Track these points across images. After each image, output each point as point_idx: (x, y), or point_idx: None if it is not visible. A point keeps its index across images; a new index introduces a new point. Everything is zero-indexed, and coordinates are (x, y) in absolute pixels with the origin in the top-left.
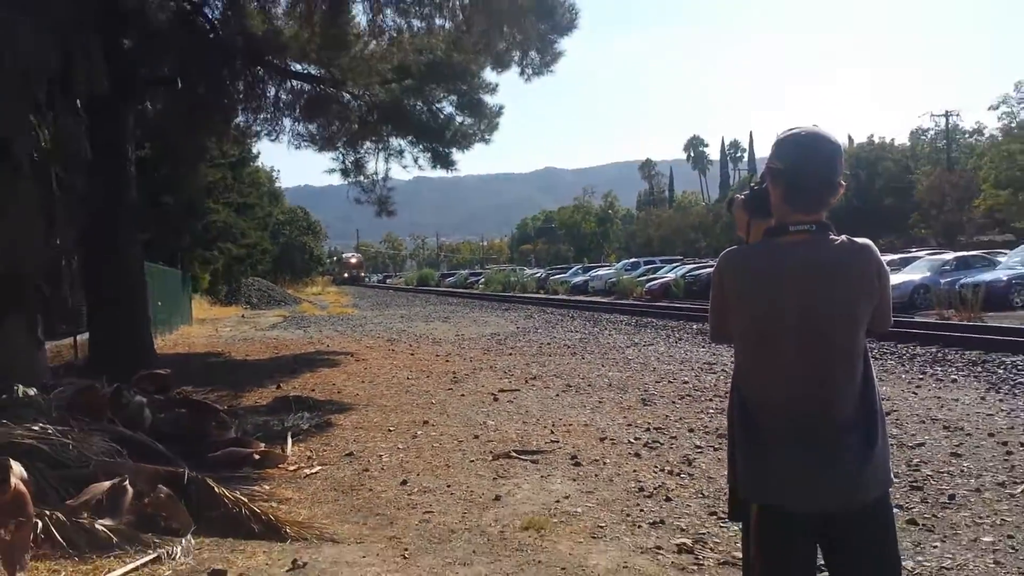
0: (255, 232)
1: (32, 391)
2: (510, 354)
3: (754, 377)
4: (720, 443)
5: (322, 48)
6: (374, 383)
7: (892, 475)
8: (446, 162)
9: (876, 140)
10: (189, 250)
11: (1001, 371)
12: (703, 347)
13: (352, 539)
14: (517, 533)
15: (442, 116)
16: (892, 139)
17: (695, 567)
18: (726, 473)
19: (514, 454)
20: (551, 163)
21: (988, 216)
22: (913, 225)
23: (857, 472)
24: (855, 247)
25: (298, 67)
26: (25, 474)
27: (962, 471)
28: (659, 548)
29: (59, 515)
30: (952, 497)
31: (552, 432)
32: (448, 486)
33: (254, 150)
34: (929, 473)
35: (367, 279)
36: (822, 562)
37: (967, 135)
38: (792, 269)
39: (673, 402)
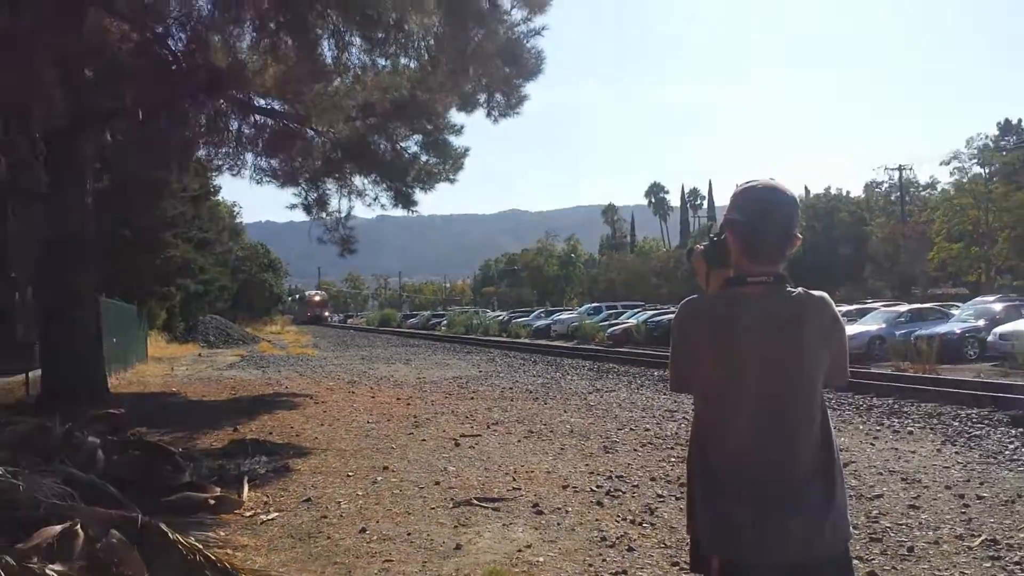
0: (214, 268)
1: None
2: (472, 398)
3: (713, 428)
4: (682, 492)
5: (286, 83)
6: (334, 426)
7: (851, 527)
8: (408, 201)
9: (833, 191)
10: (145, 285)
11: (956, 423)
12: (665, 394)
13: None
14: None
15: (406, 155)
16: (848, 191)
17: None
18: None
19: (475, 501)
20: (516, 205)
21: (941, 269)
22: (868, 276)
23: (817, 524)
24: (812, 299)
25: (262, 102)
26: None
27: (920, 523)
28: None
29: (8, 559)
30: (911, 549)
31: (514, 479)
32: (408, 534)
33: (215, 184)
34: (888, 525)
35: (330, 318)
36: None
37: (920, 189)
38: (751, 320)
39: (635, 449)
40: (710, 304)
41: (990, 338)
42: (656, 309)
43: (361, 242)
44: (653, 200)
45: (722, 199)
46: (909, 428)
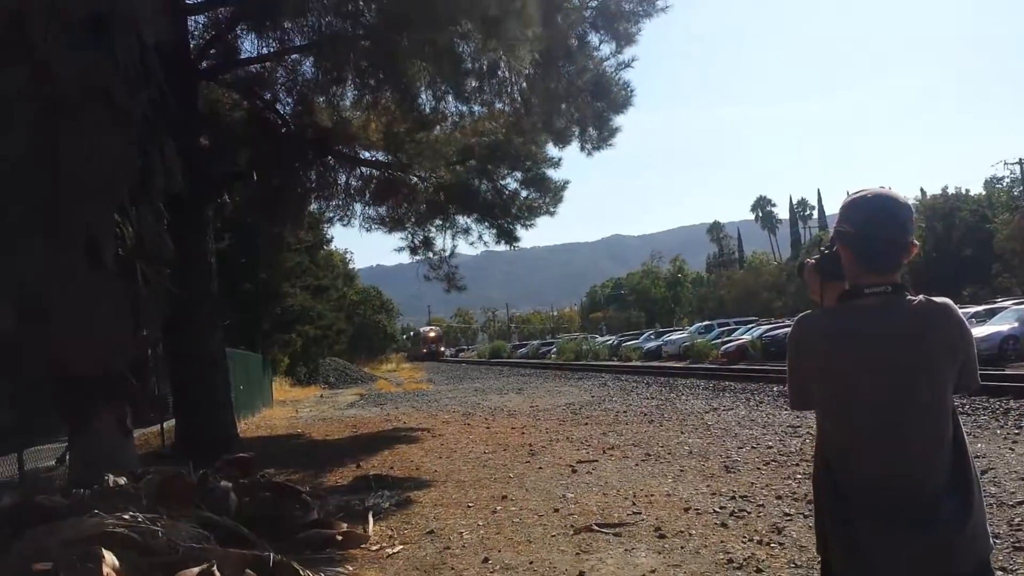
0: (331, 313)
1: (122, 480)
2: (586, 424)
3: (838, 445)
4: (811, 510)
5: (388, 136)
6: (451, 458)
7: (992, 538)
8: (510, 238)
9: (951, 191)
10: (268, 334)
11: None
12: (785, 410)
13: None
14: None
15: (507, 193)
16: (967, 189)
17: None
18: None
19: (596, 527)
20: (617, 230)
21: None
22: (996, 275)
23: (954, 540)
24: (934, 307)
25: (367, 154)
26: (117, 563)
27: None
28: None
29: None
30: None
31: (634, 503)
32: (530, 562)
33: (328, 234)
34: None
35: (445, 353)
36: None
37: None
38: (869, 334)
39: (758, 468)
40: (825, 319)
41: None
42: (771, 323)
43: (467, 277)
44: (760, 214)
45: (832, 208)
46: None
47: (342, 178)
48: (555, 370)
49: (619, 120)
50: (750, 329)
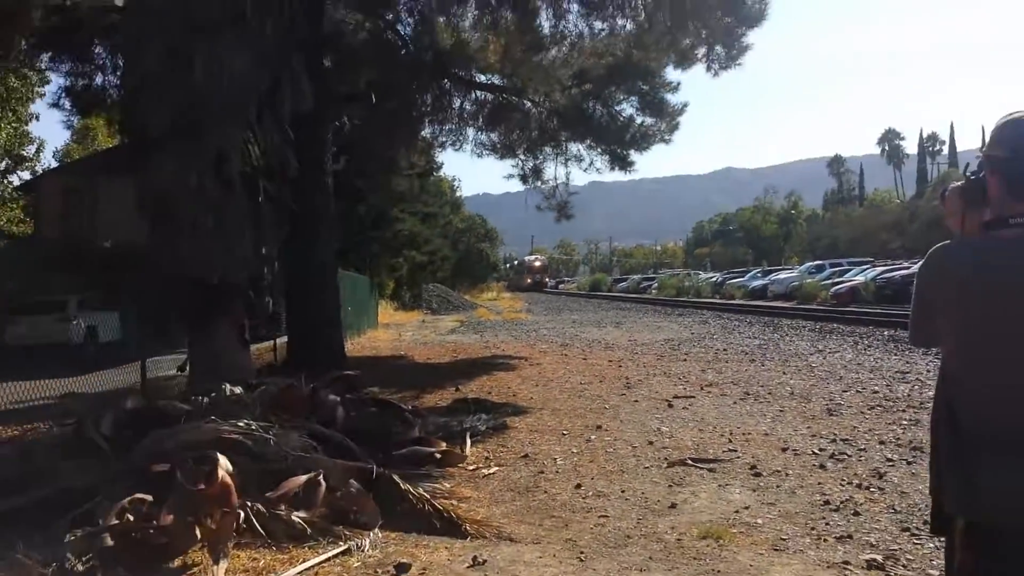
0: (437, 240)
1: (238, 389)
2: (684, 360)
3: (965, 383)
4: (915, 456)
5: (506, 57)
6: (548, 387)
7: None
8: (624, 163)
9: None
10: (377, 257)
11: None
12: (895, 355)
13: (529, 539)
14: (695, 541)
15: (621, 119)
16: None
17: None
18: (925, 486)
19: (690, 462)
20: (730, 163)
21: None
22: None
23: None
24: None
25: (482, 78)
26: (230, 467)
27: None
28: (847, 564)
29: (259, 506)
30: None
31: (730, 441)
32: (622, 491)
33: (438, 160)
34: None
35: (550, 284)
36: None
37: None
38: (1012, 266)
39: (862, 412)
40: (965, 249)
41: None
42: (887, 265)
43: (573, 208)
44: (887, 148)
45: (965, 143)
46: None
47: (456, 102)
48: (655, 305)
49: (750, 36)
50: (864, 270)
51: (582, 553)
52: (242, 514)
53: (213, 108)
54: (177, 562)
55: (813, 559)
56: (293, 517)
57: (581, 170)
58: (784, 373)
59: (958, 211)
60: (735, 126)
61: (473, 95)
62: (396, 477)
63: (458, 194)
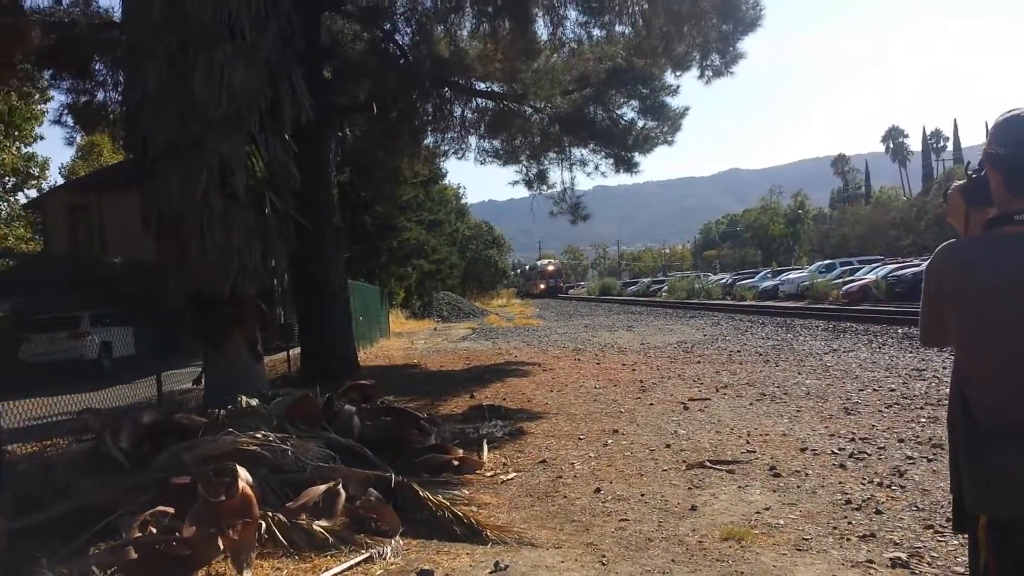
0: (444, 247)
1: (254, 401)
2: (698, 362)
3: (977, 380)
4: (935, 454)
5: (505, 65)
6: (562, 392)
7: None
8: (629, 165)
9: None
10: (386, 266)
11: None
12: (910, 352)
13: (550, 544)
14: (716, 543)
15: (623, 122)
16: None
17: None
18: (946, 483)
19: (708, 464)
20: (735, 164)
21: None
22: None
23: None
24: None
25: (482, 86)
26: (250, 478)
27: None
28: (871, 562)
29: (280, 516)
30: None
31: (747, 442)
32: (642, 495)
33: (442, 168)
34: None
35: (565, 289)
36: None
37: None
38: (1017, 263)
39: (879, 411)
40: (970, 247)
41: None
42: (897, 262)
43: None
44: (891, 145)
45: (970, 139)
46: None
47: (457, 110)
48: (666, 308)
49: (744, 44)
50: (875, 268)
51: (604, 557)
52: (263, 524)
53: (215, 121)
54: (200, 573)
55: (837, 558)
56: (314, 526)
57: (585, 174)
58: (799, 373)
59: (961, 210)
60: (738, 128)
61: (474, 103)
62: (415, 485)
63: (464, 201)
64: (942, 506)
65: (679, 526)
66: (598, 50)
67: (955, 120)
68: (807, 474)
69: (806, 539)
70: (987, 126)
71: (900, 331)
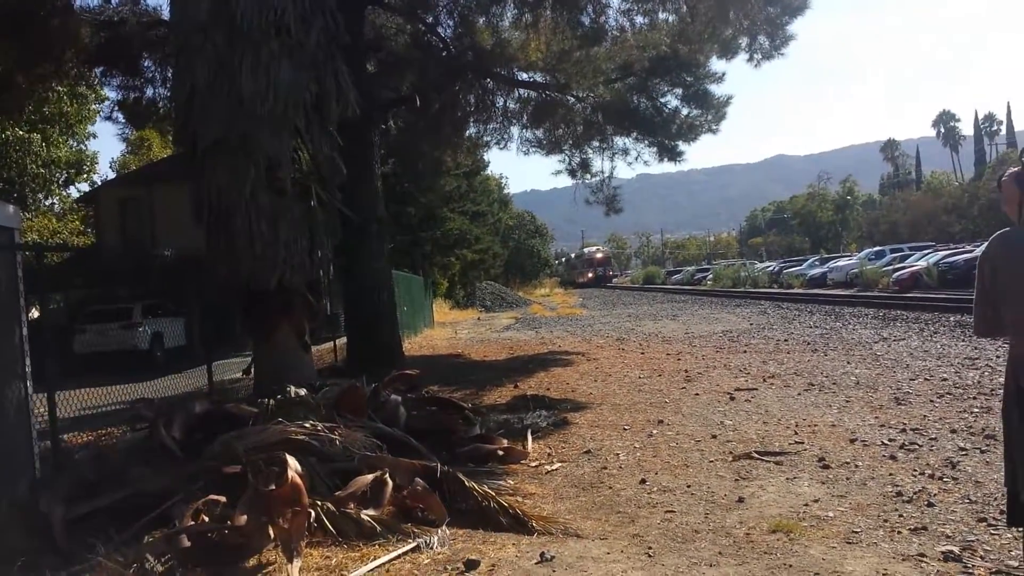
0: (487, 237)
1: (302, 391)
2: (744, 352)
3: None
4: (988, 445)
5: (548, 55)
6: (606, 382)
7: None
8: (673, 154)
9: None
10: (429, 257)
11: None
12: (963, 341)
13: (595, 535)
14: (764, 536)
15: (667, 110)
16: None
17: None
18: (1000, 475)
19: (755, 455)
20: (781, 150)
21: None
22: None
23: None
24: None
25: (524, 76)
26: (299, 468)
27: None
28: (922, 556)
29: (329, 505)
30: None
31: (795, 433)
32: (688, 486)
33: (485, 159)
34: None
35: (615, 279)
36: None
37: None
38: None
39: (931, 401)
40: None
41: None
42: (949, 249)
43: (623, 202)
44: (943, 130)
45: (1023, 123)
46: None
47: (500, 100)
48: (711, 297)
49: (794, 25)
50: (926, 255)
51: (650, 548)
52: (312, 513)
53: (261, 117)
54: (252, 561)
55: (887, 552)
56: (362, 515)
57: (627, 164)
58: (848, 362)
59: (1016, 198)
60: (784, 113)
61: (516, 93)
62: (460, 475)
63: (506, 191)
64: (995, 499)
65: (726, 518)
66: (641, 38)
67: (1008, 103)
68: (857, 466)
69: (856, 532)
70: None
71: (952, 319)
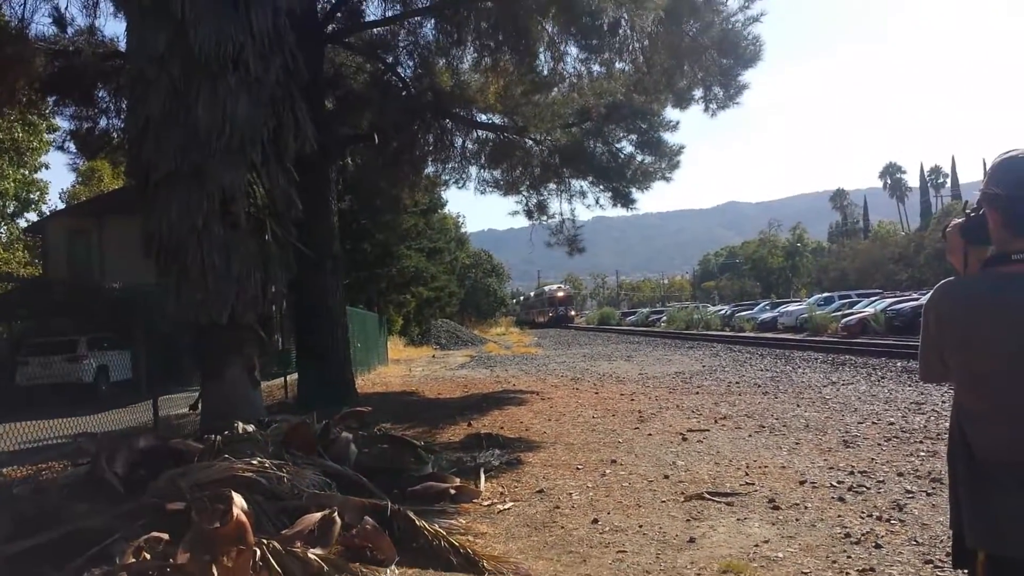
0: (444, 275)
1: (250, 428)
2: (697, 393)
3: (976, 418)
4: (935, 488)
5: (506, 98)
6: (560, 421)
7: None
8: (626, 201)
9: None
10: (384, 294)
11: None
12: (909, 386)
13: (547, 575)
14: None
15: (622, 156)
16: None
17: None
18: (946, 518)
19: (707, 495)
20: (733, 197)
21: None
22: None
23: None
24: None
25: (483, 117)
26: (245, 505)
27: None
28: None
29: (275, 544)
30: None
31: (746, 474)
32: (640, 526)
33: (442, 198)
34: None
35: (577, 318)
36: None
37: None
38: (1015, 302)
39: (879, 444)
40: (969, 286)
41: None
42: (896, 296)
43: (580, 243)
44: (889, 181)
45: (968, 176)
46: None
47: (459, 141)
48: (665, 338)
49: (747, 76)
50: (873, 302)
51: None
52: (258, 552)
53: (217, 150)
54: None
55: None
56: (309, 555)
57: (585, 206)
58: (798, 405)
59: (960, 248)
60: (737, 160)
61: (475, 134)
62: (411, 513)
63: (463, 230)
64: (941, 541)
65: (677, 558)
66: (598, 85)
67: (953, 157)
68: (806, 507)
69: (805, 573)
70: (985, 163)
71: (899, 364)
